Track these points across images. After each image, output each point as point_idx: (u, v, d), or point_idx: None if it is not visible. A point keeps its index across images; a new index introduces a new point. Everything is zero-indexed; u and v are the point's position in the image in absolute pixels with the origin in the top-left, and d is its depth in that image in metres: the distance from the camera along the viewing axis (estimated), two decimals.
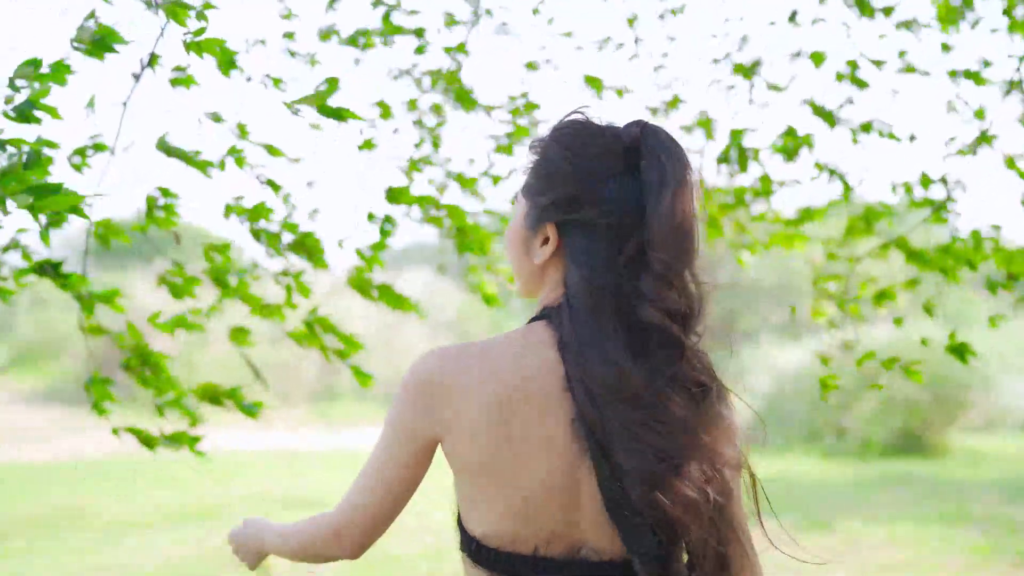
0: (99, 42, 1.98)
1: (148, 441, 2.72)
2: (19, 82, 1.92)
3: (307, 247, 2.94)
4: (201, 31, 2.14)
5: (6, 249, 2.62)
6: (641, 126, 1.44)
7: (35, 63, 1.92)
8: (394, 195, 3.25)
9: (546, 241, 1.45)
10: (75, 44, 2.01)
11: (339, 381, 16.52)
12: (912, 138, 3.76)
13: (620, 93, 3.95)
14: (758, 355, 15.87)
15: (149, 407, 2.83)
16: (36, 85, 1.93)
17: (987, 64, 3.57)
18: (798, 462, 11.68)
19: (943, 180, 3.49)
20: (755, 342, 18.14)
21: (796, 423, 12.80)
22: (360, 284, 3.16)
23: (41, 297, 15.38)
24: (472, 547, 1.41)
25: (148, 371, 2.79)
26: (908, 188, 3.63)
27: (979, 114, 3.47)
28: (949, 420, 12.61)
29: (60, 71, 1.94)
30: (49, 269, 2.45)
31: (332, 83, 2.18)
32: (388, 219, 3.34)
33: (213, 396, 2.82)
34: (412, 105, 3.70)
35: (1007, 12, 3.45)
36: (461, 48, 3.62)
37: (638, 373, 1.34)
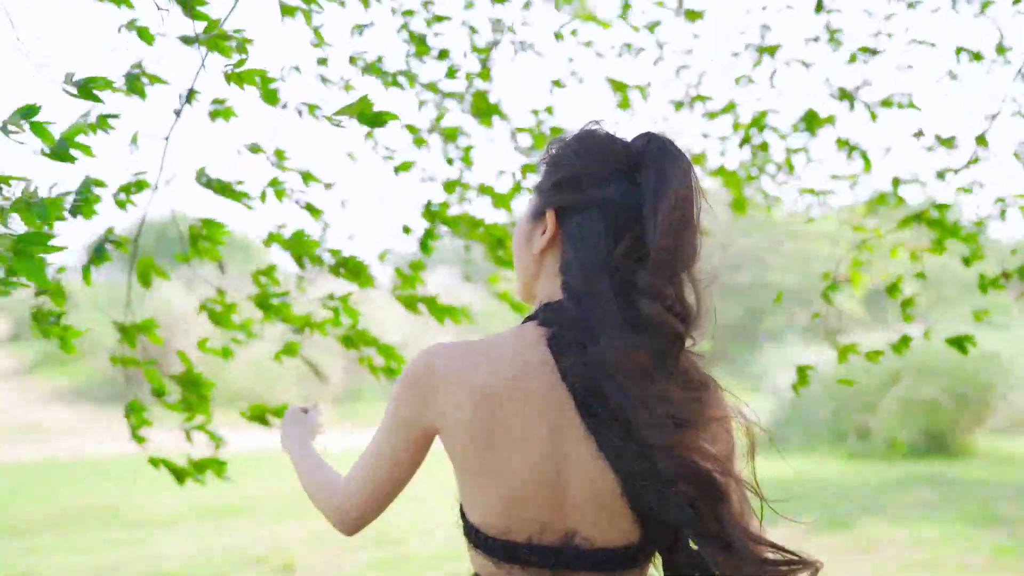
0: (134, 80, 2.03)
1: (179, 475, 2.81)
2: (10, 127, 1.89)
3: (351, 268, 2.99)
4: (242, 63, 2.18)
5: (39, 292, 2.62)
6: (648, 137, 1.48)
7: (31, 111, 1.87)
8: (431, 213, 3.31)
9: (543, 232, 1.50)
10: (65, 88, 2.00)
11: (363, 382, 16.63)
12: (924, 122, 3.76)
13: (643, 92, 3.98)
14: (782, 355, 15.83)
15: (170, 422, 2.91)
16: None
17: (1002, 50, 3.60)
18: (822, 463, 11.65)
19: (980, 140, 3.48)
20: (779, 342, 18.09)
21: (820, 424, 12.77)
22: (407, 301, 3.19)
23: (71, 298, 15.54)
24: (473, 534, 1.46)
25: (193, 395, 2.85)
26: (941, 142, 3.63)
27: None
28: (974, 422, 12.54)
29: (44, 132, 1.91)
30: (53, 320, 2.54)
31: (365, 99, 2.19)
32: (429, 233, 3.38)
33: (261, 416, 2.93)
34: (437, 122, 3.73)
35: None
36: (485, 75, 3.67)
37: (644, 350, 1.36)
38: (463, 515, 1.49)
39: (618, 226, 1.43)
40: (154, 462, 2.79)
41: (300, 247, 2.96)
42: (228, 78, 2.17)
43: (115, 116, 2.05)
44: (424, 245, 3.40)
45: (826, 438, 12.59)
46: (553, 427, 1.40)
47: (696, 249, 1.41)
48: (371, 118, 2.14)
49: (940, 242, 3.42)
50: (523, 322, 1.49)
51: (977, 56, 3.57)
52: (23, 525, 8.33)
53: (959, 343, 3.30)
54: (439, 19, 3.63)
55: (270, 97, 2.29)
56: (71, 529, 8.21)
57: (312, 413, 1.98)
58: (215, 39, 2.17)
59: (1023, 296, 3.59)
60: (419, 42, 3.59)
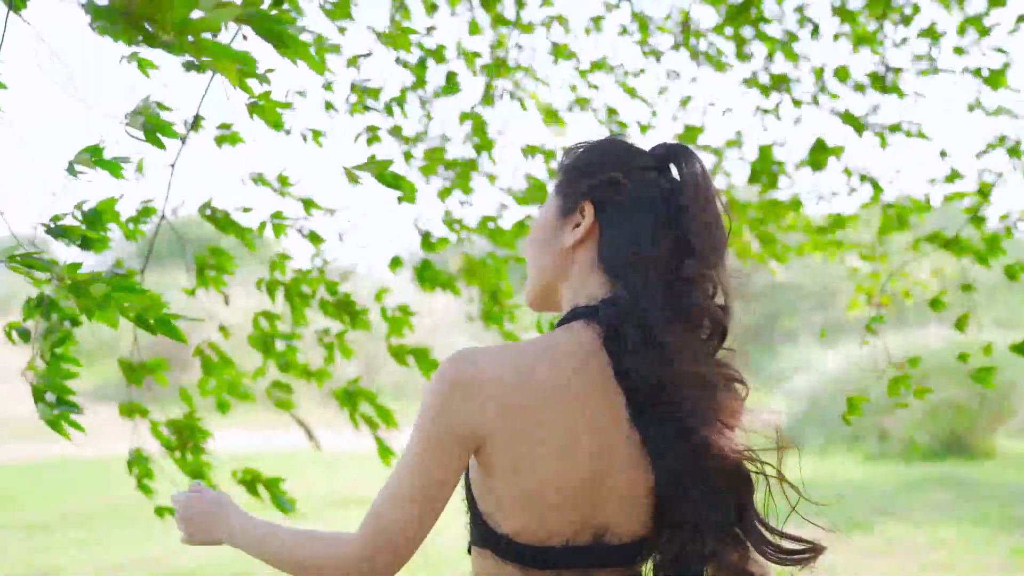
0: (151, 131, 1.98)
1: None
2: (78, 167, 1.93)
3: (347, 310, 2.94)
4: (266, 95, 2.16)
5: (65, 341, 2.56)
6: (668, 143, 1.52)
7: (96, 151, 1.92)
8: (430, 245, 3.29)
9: (576, 226, 1.47)
10: (128, 130, 1.99)
11: (380, 382, 16.65)
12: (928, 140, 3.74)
13: (644, 129, 3.96)
14: (799, 356, 15.77)
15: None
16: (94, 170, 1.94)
17: (1006, 66, 3.58)
18: (840, 464, 11.60)
19: (998, 177, 3.48)
20: (796, 343, 18.02)
21: (837, 425, 12.71)
22: (396, 352, 3.12)
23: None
24: (501, 544, 1.39)
25: (189, 441, 2.75)
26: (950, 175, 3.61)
27: (997, 112, 3.48)
28: (993, 423, 12.46)
29: (116, 167, 1.95)
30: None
31: (386, 162, 2.16)
32: (427, 265, 3.32)
33: (252, 484, 2.79)
34: (440, 156, 3.72)
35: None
36: (479, 124, 3.66)
37: (696, 345, 1.39)
38: (482, 523, 1.41)
39: (659, 221, 1.44)
40: (160, 512, 2.68)
41: (300, 283, 2.93)
42: (251, 111, 2.15)
43: (126, 160, 2.03)
44: (421, 277, 3.34)
45: (844, 439, 12.53)
46: (600, 427, 1.37)
47: (726, 244, 1.45)
48: (390, 181, 2.13)
49: (985, 256, 3.38)
50: (562, 321, 1.44)
51: (994, 82, 3.53)
52: (41, 523, 8.38)
53: (981, 376, 3.24)
54: (438, 52, 3.60)
55: (277, 124, 2.27)
56: (88, 527, 8.25)
57: (208, 491, 1.67)
58: (240, 74, 2.13)
59: None
60: (419, 68, 3.56)
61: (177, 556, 7.24)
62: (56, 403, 1.86)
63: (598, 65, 3.97)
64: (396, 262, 3.38)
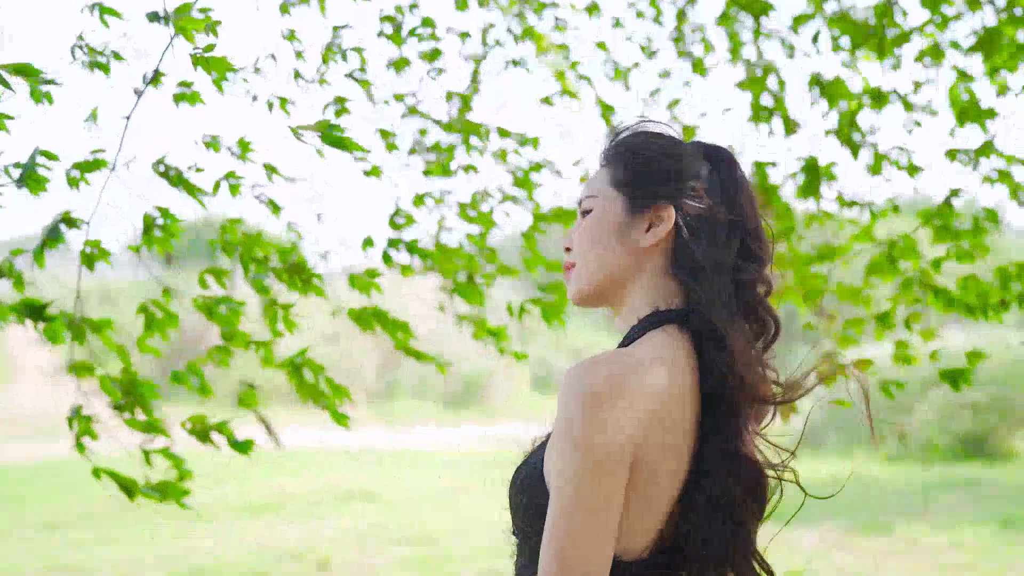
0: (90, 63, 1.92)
1: (128, 489, 2.52)
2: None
3: (300, 274, 2.75)
4: (211, 47, 2.12)
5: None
6: (708, 145, 1.51)
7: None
8: (396, 224, 3.21)
9: (650, 226, 1.43)
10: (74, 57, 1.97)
11: (398, 381, 16.68)
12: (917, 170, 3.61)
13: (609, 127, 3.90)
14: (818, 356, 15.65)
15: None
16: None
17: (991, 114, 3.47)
18: (860, 466, 11.54)
19: (953, 193, 3.38)
20: (816, 342, 17.87)
21: (857, 426, 12.65)
22: (357, 316, 2.93)
23: (110, 296, 15.70)
24: (631, 571, 1.33)
25: (138, 403, 2.59)
26: (930, 214, 3.45)
27: (981, 153, 3.35)
28: (1013, 425, 12.37)
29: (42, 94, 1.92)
30: (33, 311, 2.30)
31: (341, 102, 2.10)
32: (393, 243, 3.22)
33: (202, 431, 2.61)
34: (423, 134, 3.67)
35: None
36: (474, 87, 3.62)
37: (761, 354, 1.41)
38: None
39: (728, 227, 1.43)
40: (96, 473, 2.48)
41: (252, 246, 2.75)
42: (195, 61, 2.10)
43: (52, 82, 1.99)
44: (386, 257, 3.23)
45: (864, 440, 12.46)
46: (690, 430, 1.35)
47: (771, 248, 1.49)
48: (335, 140, 2.04)
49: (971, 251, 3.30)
50: (650, 323, 1.41)
51: (990, 113, 3.43)
52: (60, 520, 8.43)
53: (952, 377, 3.18)
54: (428, 23, 3.54)
55: (219, 84, 2.21)
56: (108, 524, 8.29)
57: None
58: (184, 21, 2.07)
59: None
60: (397, 34, 3.49)
61: (196, 554, 7.26)
62: None
63: (601, 45, 3.91)
64: (368, 242, 3.27)
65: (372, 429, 14.25)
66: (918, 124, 3.59)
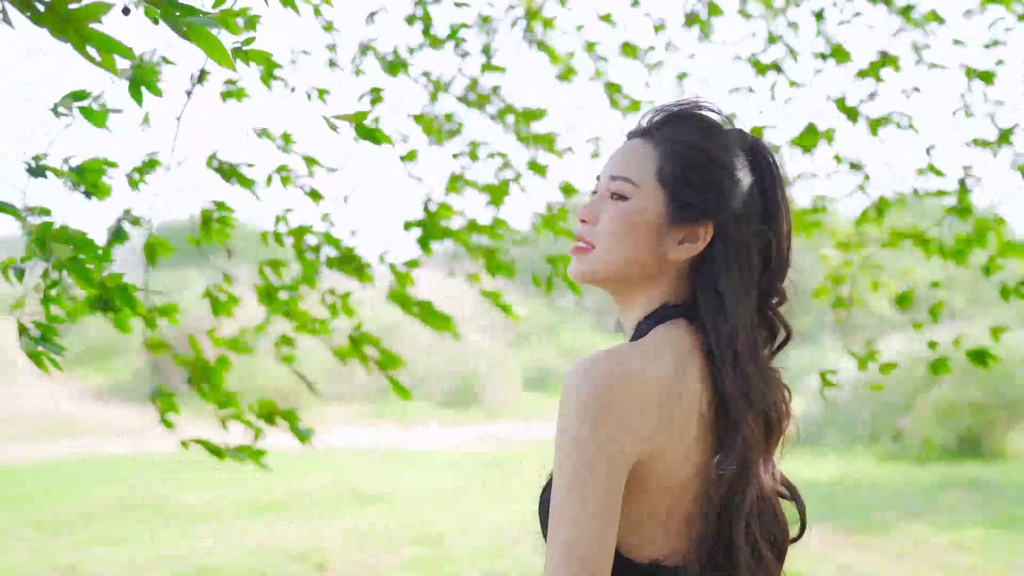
0: (135, 83, 1.97)
1: (216, 452, 2.74)
2: (61, 110, 1.95)
3: (351, 263, 2.99)
4: (250, 40, 2.12)
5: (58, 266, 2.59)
6: (752, 142, 1.47)
7: (80, 95, 1.94)
8: (430, 213, 3.29)
9: (685, 240, 1.40)
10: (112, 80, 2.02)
11: (395, 380, 16.63)
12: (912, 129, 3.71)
13: (635, 105, 3.92)
14: (815, 356, 15.71)
15: (211, 414, 2.91)
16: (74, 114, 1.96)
17: (1000, 63, 3.58)
18: (857, 465, 11.56)
19: (968, 174, 3.46)
20: (812, 343, 17.97)
21: (855, 425, 12.67)
22: (401, 299, 3.17)
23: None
24: (649, 572, 1.33)
25: (207, 385, 2.86)
26: (928, 170, 3.58)
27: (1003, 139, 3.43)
28: (1008, 424, 12.39)
29: (101, 117, 1.97)
30: (102, 304, 2.40)
31: (376, 92, 2.16)
32: (429, 231, 3.34)
33: (269, 415, 2.87)
34: (447, 119, 3.72)
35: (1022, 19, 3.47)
36: (491, 67, 3.65)
37: (770, 377, 1.42)
38: (616, 557, 1.30)
39: (757, 236, 1.41)
40: (184, 444, 2.73)
41: (304, 234, 3.01)
42: (235, 54, 2.10)
43: (118, 111, 2.07)
44: (424, 244, 3.35)
45: (862, 440, 12.49)
46: (702, 433, 1.34)
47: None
48: (367, 132, 2.13)
49: (962, 253, 3.38)
50: (658, 317, 1.40)
51: (987, 77, 3.52)
52: (62, 521, 8.41)
53: (980, 356, 3.24)
54: (459, 4, 3.62)
55: (269, 79, 2.31)
56: (109, 524, 8.28)
57: None
58: (224, 14, 2.14)
59: None
60: (428, 29, 3.56)
61: (196, 554, 7.25)
62: (40, 340, 1.88)
63: (606, 17, 3.93)
64: (408, 225, 3.37)
65: (370, 429, 14.25)
66: (917, 89, 3.66)
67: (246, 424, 2.83)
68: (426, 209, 3.26)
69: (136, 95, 1.97)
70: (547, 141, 3.62)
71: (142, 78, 1.97)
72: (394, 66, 3.44)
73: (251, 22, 2.12)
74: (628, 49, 3.82)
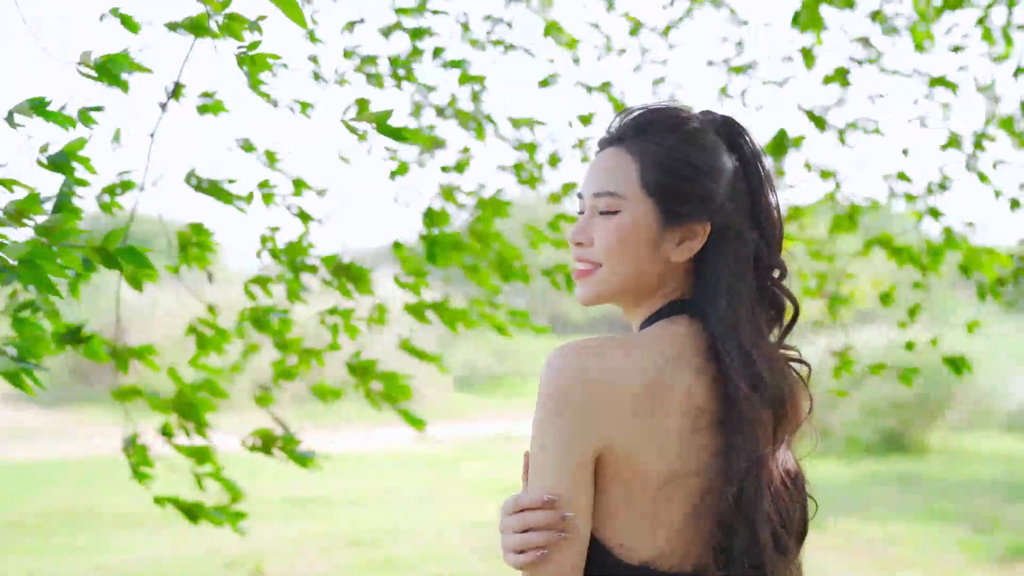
0: (102, 67, 1.87)
1: (190, 513, 2.58)
2: (18, 117, 1.81)
3: (351, 274, 2.84)
4: (255, 44, 2.07)
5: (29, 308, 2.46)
6: (736, 129, 1.45)
7: (39, 103, 1.79)
8: (433, 218, 3.22)
9: (684, 239, 1.39)
10: (80, 70, 1.89)
11: (323, 381, 16.41)
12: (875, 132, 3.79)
13: (616, 104, 3.92)
14: None
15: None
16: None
17: (962, 69, 3.67)
18: None
19: (944, 181, 3.55)
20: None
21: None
22: (414, 309, 3.05)
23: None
24: (639, 574, 1.30)
25: (191, 420, 2.67)
26: (901, 176, 3.67)
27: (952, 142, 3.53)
28: (931, 419, 12.74)
29: (65, 119, 1.84)
30: (70, 336, 2.30)
31: (385, 115, 2.11)
32: (434, 239, 3.26)
33: (265, 443, 2.70)
34: (431, 130, 3.68)
35: (980, 22, 3.57)
36: (468, 78, 3.61)
37: (782, 366, 1.40)
38: (606, 556, 1.30)
39: (749, 228, 1.41)
40: (159, 501, 2.56)
41: (295, 253, 2.83)
42: (240, 61, 2.07)
43: (98, 109, 1.94)
44: (430, 253, 3.26)
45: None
46: (700, 428, 1.31)
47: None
48: (391, 131, 2.03)
49: (931, 264, 3.45)
50: (661, 314, 1.39)
51: (951, 86, 3.61)
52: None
53: (955, 364, 3.32)
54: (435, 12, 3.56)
55: (256, 86, 2.21)
56: (29, 533, 7.99)
57: None
58: (229, 19, 2.04)
59: (1013, 304, 3.64)
60: (413, 35, 3.52)
61: (127, 562, 7.04)
62: (17, 359, 1.76)
63: (594, 26, 3.92)
64: (399, 247, 3.29)
65: (299, 432, 14.01)
66: (882, 96, 3.73)
67: (224, 485, 2.64)
68: (428, 216, 3.15)
69: (111, 80, 1.87)
70: (530, 149, 3.58)
71: (112, 62, 1.86)
72: (379, 77, 3.35)
73: (256, 26, 2.04)
74: (609, 49, 3.81)
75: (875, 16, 3.63)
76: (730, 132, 1.44)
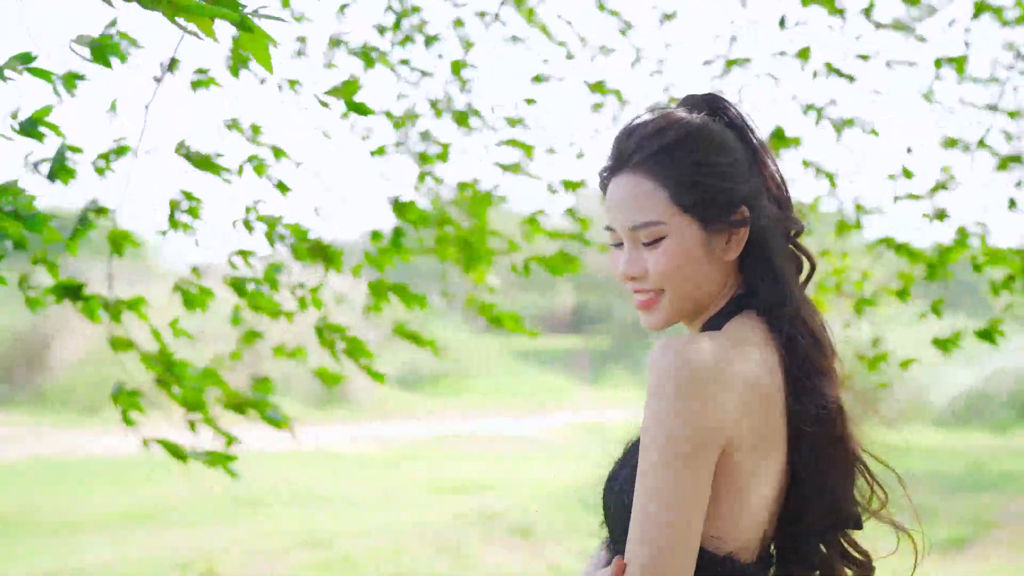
0: (99, 49, 1.89)
1: (178, 454, 2.62)
2: (7, 72, 1.82)
3: (324, 252, 2.92)
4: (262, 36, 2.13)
5: (35, 260, 2.52)
6: (696, 99, 1.49)
7: (26, 57, 1.83)
8: (400, 209, 3.25)
9: (731, 236, 1.42)
10: (73, 47, 1.91)
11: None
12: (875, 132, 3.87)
13: (619, 96, 3.98)
14: None
15: (168, 413, 2.78)
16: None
17: (962, 60, 3.76)
18: None
19: (947, 182, 3.64)
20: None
21: None
22: (376, 288, 3.11)
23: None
24: (727, 568, 1.34)
25: (172, 380, 2.72)
26: (906, 173, 3.75)
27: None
28: (861, 415, 13.04)
29: (46, 74, 1.87)
30: (70, 292, 2.39)
31: (353, 83, 2.20)
32: (400, 231, 3.32)
33: (238, 405, 2.76)
34: (413, 119, 3.69)
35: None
36: (461, 65, 3.63)
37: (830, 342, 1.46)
38: (704, 551, 1.31)
39: (775, 204, 1.46)
40: (145, 442, 2.63)
41: (272, 225, 2.92)
42: (238, 42, 2.17)
43: (80, 77, 2.00)
44: (396, 243, 3.31)
45: None
46: (781, 419, 1.38)
47: None
48: (357, 106, 2.17)
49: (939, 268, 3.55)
50: (731, 310, 1.43)
51: (960, 67, 3.69)
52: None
53: (988, 335, 3.45)
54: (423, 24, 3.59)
55: (235, 71, 2.34)
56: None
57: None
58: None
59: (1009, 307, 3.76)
60: (398, 21, 3.54)
61: (76, 567, 6.89)
62: None
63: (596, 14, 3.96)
64: (377, 236, 3.30)
65: (233, 430, 13.83)
66: (878, 92, 3.81)
67: (216, 430, 2.70)
68: (396, 206, 3.19)
69: (103, 60, 1.88)
70: (526, 149, 3.60)
71: (105, 44, 1.88)
72: (367, 57, 3.36)
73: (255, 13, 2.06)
74: (604, 49, 3.85)
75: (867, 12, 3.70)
76: (718, 109, 1.47)
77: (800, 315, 1.40)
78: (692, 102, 1.47)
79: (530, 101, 3.75)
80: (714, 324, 1.42)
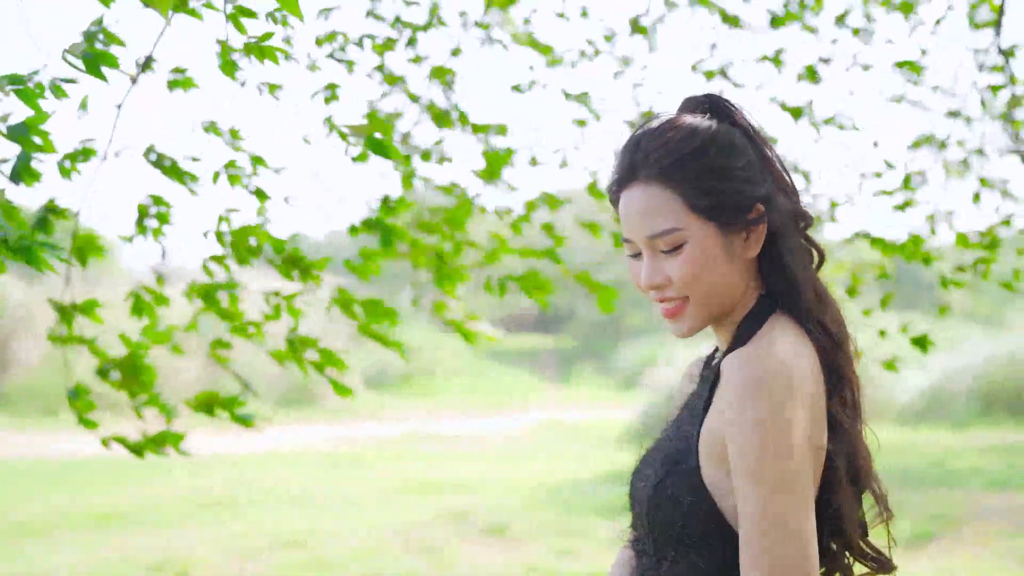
0: (92, 61, 1.89)
1: (136, 449, 2.63)
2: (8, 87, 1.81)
3: (299, 264, 2.83)
4: (267, 36, 2.10)
5: None
6: (698, 100, 1.50)
7: (16, 79, 1.80)
8: (388, 209, 3.20)
9: (749, 234, 1.43)
10: (67, 58, 1.90)
11: (222, 381, 16.11)
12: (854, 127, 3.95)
13: (594, 114, 3.98)
14: (646, 352, 16.25)
15: (121, 412, 2.77)
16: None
17: (923, 53, 3.86)
18: None
19: (919, 175, 3.73)
20: (641, 339, 18.54)
21: None
22: (343, 302, 2.96)
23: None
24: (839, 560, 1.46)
25: (136, 384, 2.71)
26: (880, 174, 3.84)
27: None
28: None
29: (32, 98, 1.83)
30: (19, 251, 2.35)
31: (377, 120, 2.11)
32: (390, 229, 3.26)
33: (208, 406, 2.74)
34: (393, 118, 3.69)
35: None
36: (444, 74, 3.63)
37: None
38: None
39: (784, 197, 1.47)
40: (105, 442, 2.63)
41: (245, 235, 2.81)
42: (247, 50, 2.12)
43: (71, 81, 1.93)
44: (386, 242, 3.27)
45: None
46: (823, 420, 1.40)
47: None
48: (377, 146, 2.06)
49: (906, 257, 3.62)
50: (762, 312, 1.44)
51: (914, 68, 3.80)
52: None
53: (921, 343, 3.52)
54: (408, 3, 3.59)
55: (228, 68, 2.25)
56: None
57: None
58: (237, 10, 2.06)
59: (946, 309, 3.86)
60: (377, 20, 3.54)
61: (45, 569, 6.82)
62: None
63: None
64: (355, 230, 3.26)
65: (206, 432, 13.73)
66: (851, 93, 3.90)
67: (161, 409, 2.68)
68: (384, 206, 3.15)
69: (96, 73, 1.88)
70: (506, 156, 3.60)
71: (99, 55, 1.88)
72: (350, 61, 3.36)
73: (277, 18, 2.06)
74: (584, 54, 3.87)
75: (839, 19, 3.78)
76: (721, 110, 1.48)
77: (827, 314, 1.43)
78: (693, 104, 1.48)
79: (503, 129, 3.69)
80: (749, 327, 1.42)
